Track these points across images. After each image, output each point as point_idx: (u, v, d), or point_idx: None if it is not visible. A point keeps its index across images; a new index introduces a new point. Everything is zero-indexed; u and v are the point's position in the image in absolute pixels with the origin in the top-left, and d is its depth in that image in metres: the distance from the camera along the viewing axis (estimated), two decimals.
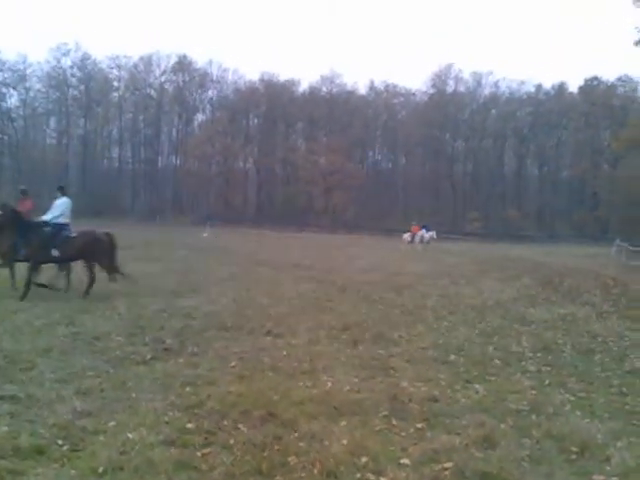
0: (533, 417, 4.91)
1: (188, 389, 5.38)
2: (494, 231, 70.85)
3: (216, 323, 8.68)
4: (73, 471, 3.65)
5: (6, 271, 11.25)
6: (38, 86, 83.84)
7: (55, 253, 10.81)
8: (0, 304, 9.68)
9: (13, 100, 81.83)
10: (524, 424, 4.74)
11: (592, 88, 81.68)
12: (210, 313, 9.53)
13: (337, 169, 75.34)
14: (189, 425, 4.46)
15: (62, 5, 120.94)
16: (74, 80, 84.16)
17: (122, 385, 5.44)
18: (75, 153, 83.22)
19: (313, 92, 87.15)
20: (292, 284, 14.28)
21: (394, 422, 4.70)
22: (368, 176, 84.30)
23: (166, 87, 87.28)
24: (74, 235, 11.20)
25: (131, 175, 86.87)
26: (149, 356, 6.57)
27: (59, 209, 11.18)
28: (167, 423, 4.47)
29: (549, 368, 6.70)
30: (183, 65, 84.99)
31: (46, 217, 11.17)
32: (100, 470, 3.64)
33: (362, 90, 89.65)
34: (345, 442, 4.17)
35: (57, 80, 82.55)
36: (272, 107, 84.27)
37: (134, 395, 5.13)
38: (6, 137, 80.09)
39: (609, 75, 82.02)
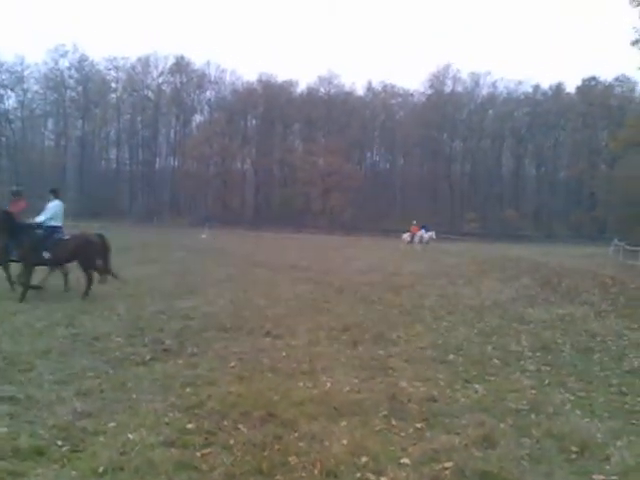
0: (533, 416, 4.92)
1: (188, 390, 5.38)
2: (492, 231, 71.03)
3: (215, 324, 8.67)
4: (73, 472, 3.64)
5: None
6: (36, 88, 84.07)
7: (46, 255, 10.71)
8: None
9: (11, 102, 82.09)
10: (524, 423, 4.74)
11: (590, 88, 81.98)
12: (208, 314, 9.53)
13: (335, 170, 75.45)
14: (189, 426, 4.46)
15: (60, 7, 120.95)
16: (72, 82, 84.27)
17: (122, 386, 5.43)
18: (73, 155, 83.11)
19: (311, 93, 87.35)
20: (289, 285, 14.27)
21: (394, 422, 4.70)
22: (366, 177, 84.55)
23: (164, 88, 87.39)
24: (66, 237, 11.13)
25: (129, 176, 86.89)
26: (148, 357, 6.57)
27: (51, 211, 11.06)
28: (167, 424, 4.47)
29: (548, 367, 6.71)
30: (181, 66, 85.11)
31: (38, 219, 11.07)
32: (100, 471, 3.64)
33: (360, 91, 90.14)
34: (345, 442, 4.17)
35: (55, 82, 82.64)
36: (270, 108, 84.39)
37: (134, 396, 5.13)
38: (4, 139, 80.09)
39: (607, 75, 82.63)
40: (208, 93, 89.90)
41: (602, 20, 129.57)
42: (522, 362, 6.95)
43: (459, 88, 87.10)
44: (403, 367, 6.52)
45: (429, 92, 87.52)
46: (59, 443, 4.06)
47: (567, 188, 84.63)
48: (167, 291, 12.16)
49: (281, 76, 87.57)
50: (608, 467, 3.94)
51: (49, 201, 11.29)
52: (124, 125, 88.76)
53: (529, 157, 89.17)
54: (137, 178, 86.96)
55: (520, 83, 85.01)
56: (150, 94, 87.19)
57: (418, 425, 4.64)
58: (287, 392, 5.35)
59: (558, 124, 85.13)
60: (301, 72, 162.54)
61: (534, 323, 9.71)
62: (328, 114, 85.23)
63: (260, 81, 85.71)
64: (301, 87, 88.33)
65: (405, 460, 3.97)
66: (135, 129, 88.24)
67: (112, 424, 4.42)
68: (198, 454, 3.96)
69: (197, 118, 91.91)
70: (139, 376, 5.80)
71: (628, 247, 30.08)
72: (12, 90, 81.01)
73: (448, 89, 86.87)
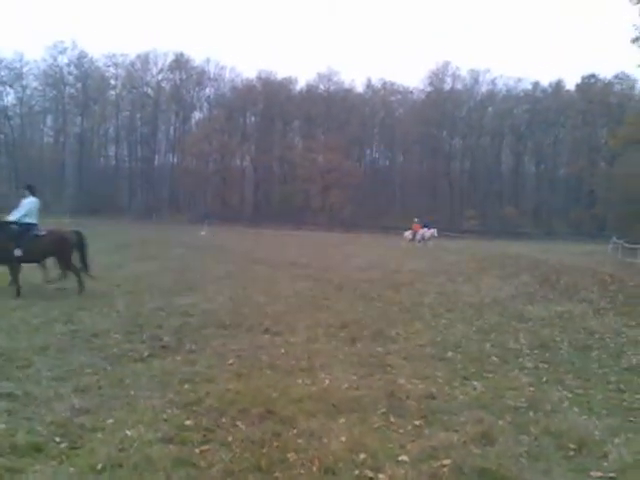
0: (531, 414, 4.92)
1: (186, 386, 5.38)
2: (491, 228, 71.02)
3: (214, 321, 8.68)
4: (71, 468, 3.64)
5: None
6: (35, 84, 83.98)
7: (18, 253, 10.48)
8: None
9: (10, 98, 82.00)
10: (522, 421, 4.74)
11: (589, 86, 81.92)
12: (207, 311, 9.53)
13: (334, 167, 75.42)
14: (187, 422, 4.45)
15: (59, 3, 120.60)
16: (71, 78, 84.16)
17: (120, 382, 5.43)
18: (72, 151, 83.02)
19: (310, 90, 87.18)
20: (289, 282, 14.28)
21: (392, 419, 4.69)
22: (365, 174, 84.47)
23: (163, 85, 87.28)
24: (42, 234, 10.93)
25: (128, 173, 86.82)
26: (147, 353, 6.56)
27: (25, 208, 10.84)
28: (165, 420, 4.47)
29: (546, 365, 6.71)
30: (180, 63, 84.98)
31: (11, 217, 10.84)
32: (99, 467, 3.63)
33: (359, 88, 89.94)
34: (343, 439, 4.17)
35: (54, 78, 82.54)
36: (269, 105, 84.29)
37: (132, 392, 5.12)
38: (2, 135, 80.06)
39: (606, 73, 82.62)
40: (207, 90, 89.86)
41: (602, 17, 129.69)
42: (520, 359, 6.95)
43: (458, 85, 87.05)
44: (402, 364, 6.53)
45: (428, 89, 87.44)
46: (57, 440, 4.06)
47: (567, 185, 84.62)
48: (166, 288, 12.16)
49: (280, 73, 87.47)
50: (606, 464, 3.94)
51: (24, 197, 11.05)
52: (123, 122, 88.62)
53: (529, 154, 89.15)
54: (136, 175, 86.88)
55: (519, 80, 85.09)
56: (149, 91, 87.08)
57: (416, 422, 4.64)
58: (286, 389, 5.35)
59: (558, 121, 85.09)
60: (300, 69, 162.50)
61: (533, 321, 9.72)
62: (327, 111, 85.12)
63: (259, 78, 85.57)
64: (300, 84, 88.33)
65: (403, 457, 3.96)
66: (134, 126, 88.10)
67: (110, 421, 4.42)
68: (196, 451, 3.96)
69: (196, 115, 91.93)
70: (137, 373, 5.79)
71: (627, 245, 30.13)
72: (11, 87, 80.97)
73: (447, 86, 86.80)
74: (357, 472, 3.71)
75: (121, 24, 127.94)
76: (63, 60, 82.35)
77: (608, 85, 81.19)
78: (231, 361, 6.40)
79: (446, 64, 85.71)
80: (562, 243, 50.66)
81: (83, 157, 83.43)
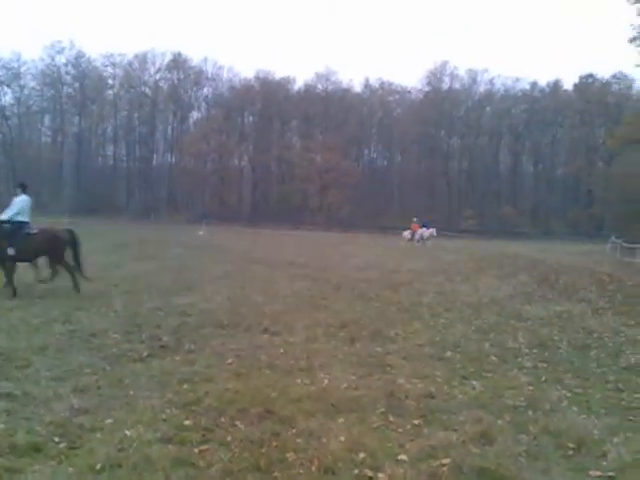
0: (530, 413, 4.92)
1: (185, 386, 5.37)
2: (489, 228, 71.10)
3: (212, 321, 8.67)
4: (70, 468, 3.63)
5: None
6: (32, 84, 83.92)
7: (11, 252, 10.43)
8: None
9: (7, 98, 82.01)
10: (521, 420, 4.74)
11: (587, 85, 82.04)
12: (206, 311, 9.52)
13: (332, 167, 75.45)
14: (186, 422, 4.45)
15: (56, 3, 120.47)
16: (68, 78, 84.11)
17: (119, 382, 5.42)
18: (70, 151, 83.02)
19: (308, 90, 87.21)
20: (287, 282, 14.27)
21: (391, 419, 4.69)
22: (363, 174, 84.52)
23: (161, 85, 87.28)
24: (34, 232, 10.84)
25: (126, 173, 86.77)
26: (146, 353, 6.55)
27: (17, 207, 10.72)
28: (164, 420, 4.46)
29: (545, 364, 6.72)
30: (178, 63, 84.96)
31: (3, 216, 10.72)
32: (98, 467, 3.63)
33: (357, 88, 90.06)
34: (343, 439, 4.17)
35: (51, 78, 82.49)
36: (267, 105, 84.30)
37: (131, 392, 5.12)
38: (0, 135, 79.96)
39: (604, 72, 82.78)
40: (205, 90, 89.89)
41: (600, 17, 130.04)
42: (519, 359, 6.96)
43: (456, 85, 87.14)
44: (401, 364, 6.52)
45: (426, 89, 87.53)
46: (56, 440, 4.05)
47: (564, 185, 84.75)
48: (164, 288, 12.15)
49: (278, 73, 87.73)
50: (605, 463, 3.95)
51: (16, 196, 10.97)
52: (121, 121, 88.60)
53: (526, 154, 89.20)
54: (134, 175, 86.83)
55: (517, 80, 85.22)
56: (147, 91, 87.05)
57: (416, 422, 4.64)
58: (285, 389, 5.35)
59: (555, 121, 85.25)
60: (298, 69, 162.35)
61: (531, 320, 9.73)
62: (325, 111, 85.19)
63: (257, 78, 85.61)
64: (298, 84, 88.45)
65: (403, 456, 3.96)
66: (132, 125, 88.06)
67: (109, 420, 4.41)
68: (196, 450, 3.96)
69: (194, 115, 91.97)
70: (136, 373, 5.78)
71: (625, 244, 30.17)
72: (9, 86, 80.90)
73: (445, 86, 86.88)
74: (356, 471, 3.71)
75: (119, 24, 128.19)
76: (61, 60, 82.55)
77: (606, 85, 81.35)
78: (230, 361, 6.40)
79: (444, 64, 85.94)
80: (560, 243, 50.73)
81: (81, 157, 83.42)
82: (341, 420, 4.60)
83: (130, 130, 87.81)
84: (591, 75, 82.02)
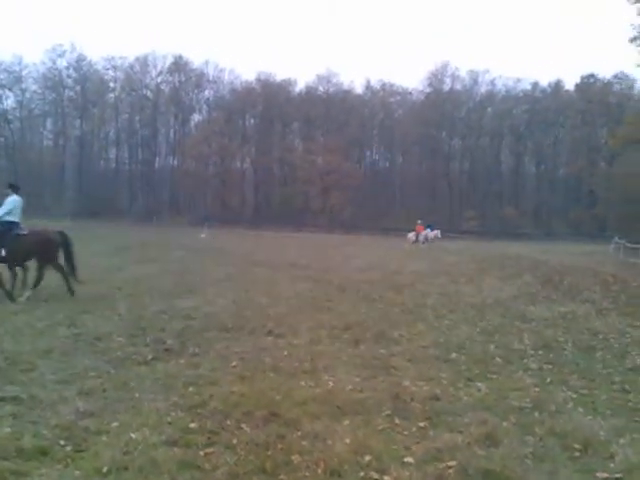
0: (536, 415, 4.92)
1: (190, 389, 5.37)
2: (491, 229, 71.03)
3: (216, 324, 8.66)
4: (77, 472, 3.64)
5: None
6: (34, 87, 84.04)
7: (2, 253, 10.34)
8: (0, 306, 9.65)
9: (9, 102, 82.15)
10: (527, 422, 4.74)
11: (588, 85, 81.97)
12: (210, 314, 9.51)
13: (334, 169, 75.43)
14: (192, 425, 4.45)
15: (58, 6, 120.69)
16: (70, 81, 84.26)
17: (124, 385, 5.43)
18: (72, 154, 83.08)
19: (310, 92, 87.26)
20: (289, 284, 14.25)
21: (397, 421, 4.69)
22: (365, 176, 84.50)
23: (162, 88, 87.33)
24: (25, 233, 10.71)
25: (128, 176, 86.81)
26: (150, 356, 6.55)
27: (7, 207, 10.60)
28: (170, 423, 4.46)
29: (550, 366, 6.71)
30: (179, 65, 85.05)
31: None
32: (104, 470, 3.63)
33: (358, 89, 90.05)
34: (348, 441, 4.16)
35: (53, 81, 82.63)
36: (269, 107, 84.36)
37: (136, 395, 5.12)
38: (2, 139, 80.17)
39: (605, 72, 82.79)
40: (207, 92, 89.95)
41: (600, 17, 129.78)
42: (524, 360, 6.95)
43: (458, 86, 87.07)
44: (405, 366, 6.52)
45: (428, 90, 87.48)
46: (62, 443, 4.05)
47: (566, 186, 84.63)
48: (167, 291, 12.14)
49: (280, 75, 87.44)
50: (612, 465, 3.94)
51: (7, 196, 10.82)
52: (123, 125, 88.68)
53: (528, 155, 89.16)
54: (136, 177, 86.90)
55: (519, 81, 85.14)
56: (149, 93, 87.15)
57: (421, 424, 4.64)
58: (289, 391, 5.35)
59: (557, 121, 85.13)
60: (300, 71, 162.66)
61: (536, 321, 9.71)
62: (327, 113, 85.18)
63: (259, 80, 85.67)
64: (300, 86, 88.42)
65: (408, 459, 3.96)
66: (134, 128, 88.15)
67: (115, 424, 4.42)
68: (201, 453, 3.96)
69: (196, 117, 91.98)
70: (141, 376, 5.79)
71: (629, 245, 30.11)
72: (10, 90, 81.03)
73: (447, 87, 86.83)
74: (362, 474, 3.71)
75: (120, 27, 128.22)
76: (62, 63, 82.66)
77: (607, 85, 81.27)
78: (234, 364, 6.39)
79: (445, 65, 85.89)
80: (562, 244, 50.60)
81: (83, 160, 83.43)
82: (346, 422, 4.60)
83: (132, 133, 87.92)
84: (592, 75, 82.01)
